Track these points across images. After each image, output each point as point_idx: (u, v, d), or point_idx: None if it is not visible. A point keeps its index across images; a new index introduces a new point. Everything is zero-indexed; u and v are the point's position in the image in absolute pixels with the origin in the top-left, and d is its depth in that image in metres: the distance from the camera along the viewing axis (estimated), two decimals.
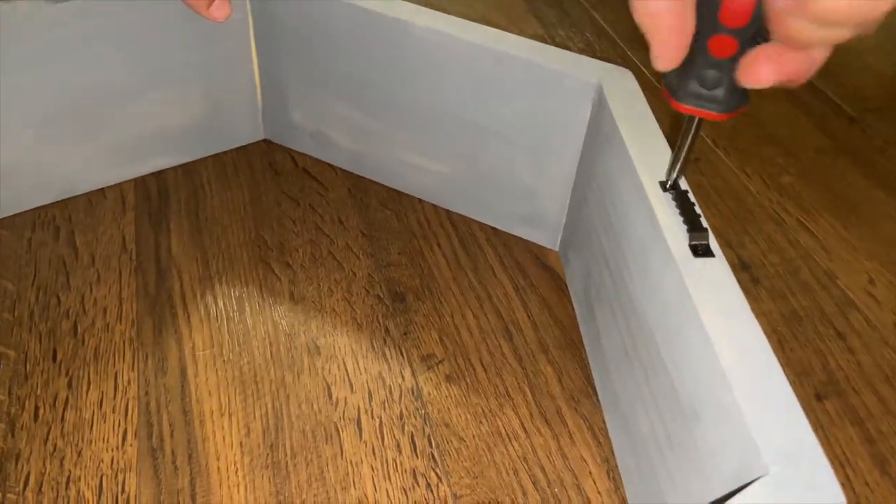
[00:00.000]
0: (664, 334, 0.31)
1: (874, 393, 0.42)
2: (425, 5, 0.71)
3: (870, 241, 0.51)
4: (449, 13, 0.71)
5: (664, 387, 0.31)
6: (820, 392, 0.41)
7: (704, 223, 0.31)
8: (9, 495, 0.34)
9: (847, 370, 0.43)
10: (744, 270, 0.48)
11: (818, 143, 0.59)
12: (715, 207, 0.53)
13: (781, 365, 0.42)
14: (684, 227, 0.31)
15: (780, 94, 0.64)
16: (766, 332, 0.44)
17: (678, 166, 0.32)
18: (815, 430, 0.39)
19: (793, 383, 0.42)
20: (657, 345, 0.31)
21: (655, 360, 0.31)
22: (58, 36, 0.41)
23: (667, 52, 0.26)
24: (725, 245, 0.50)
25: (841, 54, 0.66)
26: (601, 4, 0.74)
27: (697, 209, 0.32)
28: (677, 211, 0.32)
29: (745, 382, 0.25)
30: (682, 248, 0.30)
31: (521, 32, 0.69)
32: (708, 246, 0.30)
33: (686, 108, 0.28)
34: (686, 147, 0.31)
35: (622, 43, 0.68)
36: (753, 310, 0.46)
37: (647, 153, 0.35)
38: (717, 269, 0.30)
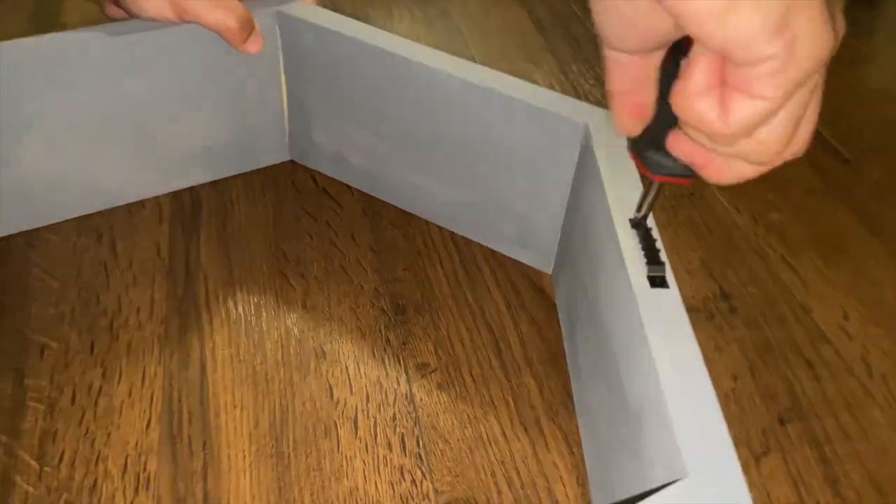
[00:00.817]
0: (622, 354, 0.35)
1: (835, 419, 0.45)
2: (452, 39, 0.76)
3: (849, 278, 0.54)
4: (470, 46, 0.76)
5: (620, 399, 0.34)
6: (783, 416, 0.45)
7: (663, 257, 0.35)
8: (45, 468, 0.39)
9: (812, 397, 0.46)
10: (724, 300, 0.52)
11: (810, 182, 0.62)
12: (703, 240, 0.56)
13: (749, 389, 0.45)
14: (645, 260, 0.35)
15: None
16: (737, 358, 0.48)
17: (644, 208, 0.36)
18: (775, 451, 0.43)
19: (758, 406, 0.45)
20: (617, 363, 0.35)
21: (615, 376, 0.35)
22: (108, 65, 0.47)
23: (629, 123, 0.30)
24: (709, 275, 0.53)
25: (844, 96, 0.69)
26: None
27: (659, 245, 0.36)
28: (641, 245, 0.36)
29: (679, 399, 0.29)
30: (641, 278, 0.34)
31: (536, 67, 0.73)
32: (664, 278, 0.34)
33: (659, 177, 0.32)
34: (651, 196, 0.35)
35: None
36: (728, 337, 0.49)
37: (622, 192, 0.38)
38: (670, 298, 0.33)
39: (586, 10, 0.82)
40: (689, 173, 0.32)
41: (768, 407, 0.45)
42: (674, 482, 0.27)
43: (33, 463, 0.39)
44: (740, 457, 0.42)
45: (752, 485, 0.41)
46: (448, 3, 0.82)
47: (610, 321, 0.37)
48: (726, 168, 0.27)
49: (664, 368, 0.30)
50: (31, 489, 0.38)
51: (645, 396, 0.31)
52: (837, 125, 0.68)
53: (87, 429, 0.40)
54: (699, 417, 0.28)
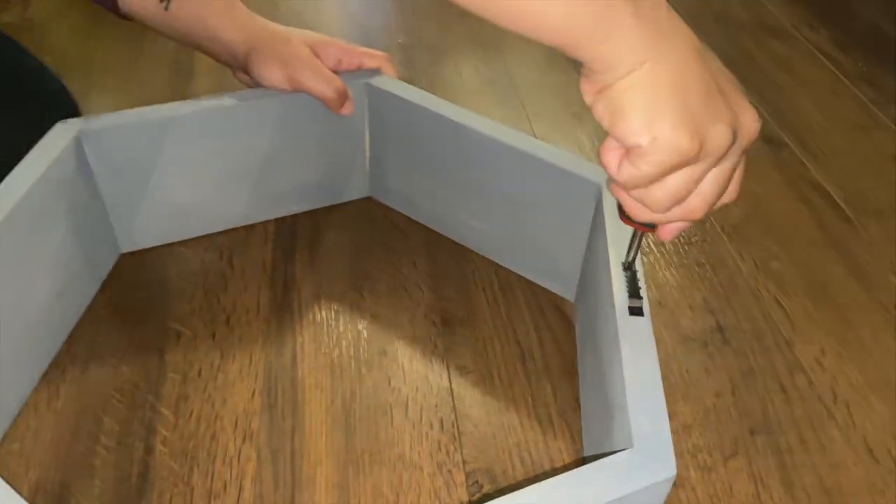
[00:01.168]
0: (606, 365, 0.46)
1: (798, 435, 0.54)
2: (510, 94, 0.88)
3: (832, 320, 0.63)
4: (525, 101, 0.88)
5: (604, 399, 0.46)
6: (753, 428, 0.55)
7: (643, 293, 0.46)
8: (179, 421, 0.53)
9: (781, 415, 0.56)
10: (718, 332, 0.62)
11: (812, 236, 0.71)
12: (708, 280, 0.66)
13: (728, 404, 0.55)
14: (628, 294, 0.46)
15: (789, 192, 0.76)
16: (722, 380, 0.58)
17: (631, 254, 0.47)
18: (742, 455, 0.53)
19: (734, 419, 0.55)
20: (603, 372, 0.46)
21: (601, 382, 0.47)
22: (235, 122, 0.61)
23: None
24: (708, 311, 0.63)
25: (856, 160, 0.78)
26: None
27: (641, 283, 0.47)
28: (627, 283, 0.47)
29: (637, 398, 0.40)
30: (623, 307, 0.45)
31: (579, 122, 0.85)
32: (641, 308, 0.45)
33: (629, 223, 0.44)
34: (635, 244, 0.46)
35: None
36: (717, 362, 0.59)
37: (619, 241, 0.50)
38: (643, 325, 0.44)
39: None
40: (651, 225, 0.43)
41: (742, 420, 0.55)
42: (621, 451, 0.38)
43: (171, 417, 0.53)
44: (712, 457, 0.53)
45: (717, 479, 0.51)
46: (510, 63, 0.95)
47: (602, 340, 0.48)
48: (636, 209, 0.39)
49: (630, 378, 0.41)
50: (168, 435, 0.52)
51: (616, 395, 0.43)
52: (846, 186, 0.77)
53: (209, 394, 0.54)
54: (649, 411, 0.40)
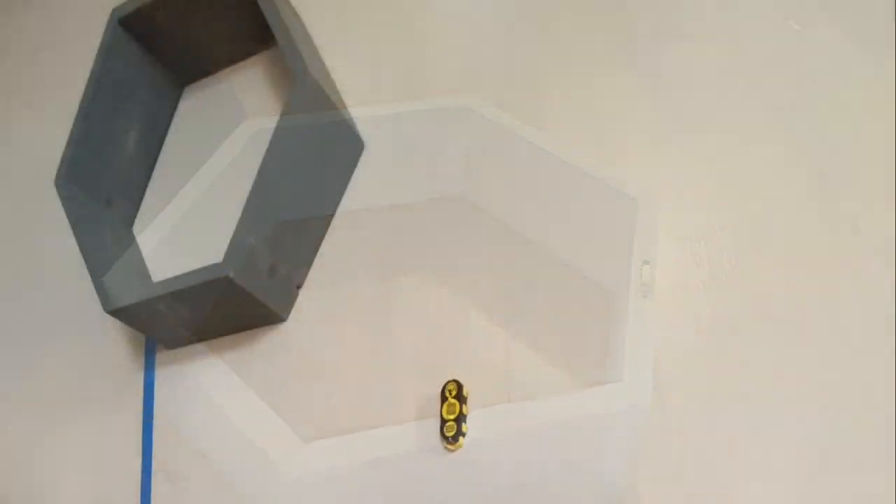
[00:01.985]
0: (622, 329, 0.62)
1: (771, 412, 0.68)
2: (593, 128, 1.02)
3: (825, 326, 0.76)
4: (606, 132, 1.02)
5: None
6: (737, 399, 0.68)
7: (651, 282, 0.62)
8: (312, 347, 0.72)
9: (761, 396, 0.69)
10: (727, 330, 0.75)
11: (827, 259, 0.83)
12: (729, 289, 0.80)
13: (723, 386, 0.69)
14: (642, 281, 0.62)
15: (818, 219, 0.88)
16: (721, 368, 0.71)
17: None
18: (725, 417, 0.67)
19: (724, 395, 0.69)
20: (620, 335, 0.63)
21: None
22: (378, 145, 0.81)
23: None
24: (723, 314, 0.77)
25: (888, 192, 0.87)
26: None
27: (652, 275, 0.62)
28: (642, 275, 0.63)
29: (634, 349, 0.56)
30: (636, 292, 0.61)
31: (653, 153, 1.00)
32: (650, 290, 0.61)
33: None
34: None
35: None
36: (721, 351, 0.73)
37: (642, 245, 0.66)
38: (647, 304, 0.60)
39: None
40: None
41: (730, 396, 0.69)
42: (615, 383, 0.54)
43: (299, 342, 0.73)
44: (700, 417, 0.67)
45: (704, 433, 0.66)
46: (597, 97, 1.10)
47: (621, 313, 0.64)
48: None
49: (630, 335, 0.57)
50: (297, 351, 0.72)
51: (621, 349, 0.59)
52: (876, 218, 0.88)
53: (331, 337, 0.74)
54: (638, 356, 0.55)
